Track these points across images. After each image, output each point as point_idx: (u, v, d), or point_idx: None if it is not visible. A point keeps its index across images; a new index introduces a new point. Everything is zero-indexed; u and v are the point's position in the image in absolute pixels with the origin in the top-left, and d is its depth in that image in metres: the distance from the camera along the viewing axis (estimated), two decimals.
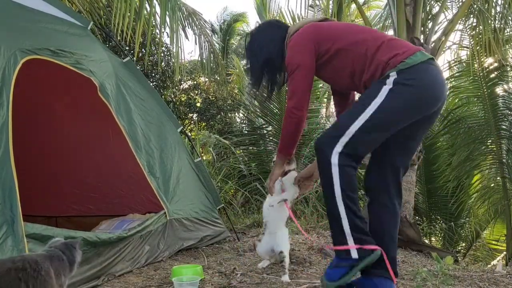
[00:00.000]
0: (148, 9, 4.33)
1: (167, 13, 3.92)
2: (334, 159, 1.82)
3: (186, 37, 6.04)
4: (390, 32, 5.49)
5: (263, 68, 2.16)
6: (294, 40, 2.04)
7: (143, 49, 6.35)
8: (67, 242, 1.69)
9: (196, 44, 6.16)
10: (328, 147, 1.85)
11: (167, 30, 4.14)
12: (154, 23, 4.59)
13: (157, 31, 4.99)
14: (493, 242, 7.50)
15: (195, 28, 6.10)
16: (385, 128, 1.88)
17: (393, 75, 1.85)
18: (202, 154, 6.86)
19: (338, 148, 1.83)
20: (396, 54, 1.89)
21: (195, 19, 6.06)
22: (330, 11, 5.94)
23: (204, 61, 6.31)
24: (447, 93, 2.01)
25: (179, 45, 4.18)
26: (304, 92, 2.01)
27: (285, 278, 2.33)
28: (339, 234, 1.85)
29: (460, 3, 5.56)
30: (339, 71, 2.01)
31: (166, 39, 6.65)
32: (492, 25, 5.34)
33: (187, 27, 5.65)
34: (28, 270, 1.44)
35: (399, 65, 1.86)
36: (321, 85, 8.27)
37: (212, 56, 6.46)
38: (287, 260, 2.42)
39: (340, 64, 1.98)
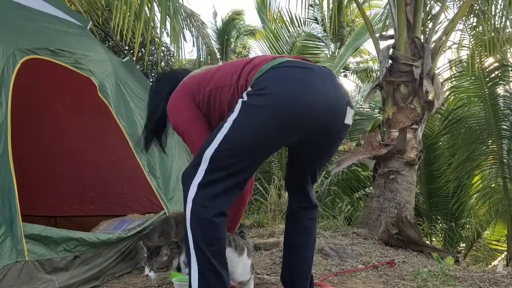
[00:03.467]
0: (148, 11, 4.34)
1: (167, 17, 3.93)
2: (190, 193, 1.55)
3: (184, 38, 6.06)
4: (391, 32, 5.49)
5: (148, 124, 2.00)
6: (170, 101, 1.81)
7: (142, 49, 6.36)
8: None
9: (194, 46, 6.18)
10: None
11: (167, 30, 4.15)
12: (153, 25, 4.59)
13: (157, 31, 5.00)
14: (494, 242, 7.50)
15: (193, 30, 6.12)
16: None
17: (248, 90, 1.57)
18: None
19: (194, 178, 1.55)
20: (253, 67, 1.62)
21: (193, 20, 6.08)
22: (330, 11, 5.93)
23: (202, 59, 6.32)
24: (342, 97, 1.62)
25: (179, 46, 4.19)
26: (200, 138, 1.69)
27: None
28: None
29: (461, 3, 5.55)
30: (219, 112, 1.72)
31: (165, 39, 6.66)
32: (493, 24, 5.33)
33: (185, 29, 5.67)
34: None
35: (254, 77, 1.58)
36: None
37: (209, 57, 6.47)
38: None
39: (215, 106, 1.72)
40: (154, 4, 4.33)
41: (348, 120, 1.64)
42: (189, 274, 1.54)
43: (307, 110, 1.51)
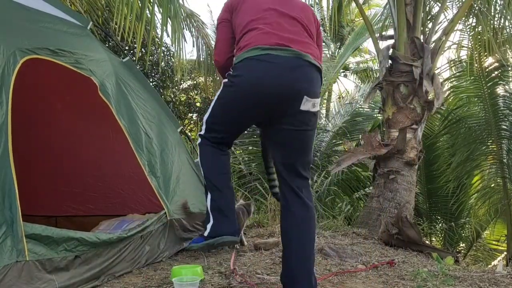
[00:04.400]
0: (149, 13, 4.34)
1: (168, 19, 3.93)
2: (198, 140, 2.08)
3: (184, 39, 6.09)
4: (390, 32, 5.49)
5: None
6: None
7: (142, 49, 6.37)
8: (246, 203, 3.31)
9: (194, 46, 6.19)
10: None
11: (163, 30, 4.15)
12: (153, 26, 4.60)
13: (158, 31, 5.00)
14: (494, 242, 7.51)
15: (193, 30, 6.12)
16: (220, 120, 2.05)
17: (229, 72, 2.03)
18: None
19: (201, 131, 2.08)
20: (241, 47, 2.00)
21: (193, 20, 6.08)
22: (330, 11, 5.93)
23: (202, 59, 6.33)
24: (298, 88, 1.92)
25: (181, 48, 4.21)
26: (220, 41, 2.20)
27: None
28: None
29: (460, 3, 5.55)
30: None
31: (165, 39, 6.66)
32: (492, 24, 5.33)
33: (185, 29, 5.67)
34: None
35: (234, 61, 2.03)
36: None
37: (209, 58, 6.47)
38: None
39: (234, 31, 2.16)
40: (155, 6, 4.32)
41: (306, 107, 1.93)
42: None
43: (259, 95, 1.92)
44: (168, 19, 3.95)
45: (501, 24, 5.39)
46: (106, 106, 2.76)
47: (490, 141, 6.85)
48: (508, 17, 5.37)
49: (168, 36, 4.25)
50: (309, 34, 2.06)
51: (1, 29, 2.27)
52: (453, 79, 7.35)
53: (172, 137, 3.34)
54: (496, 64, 6.57)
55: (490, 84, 6.73)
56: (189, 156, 3.50)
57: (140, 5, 3.95)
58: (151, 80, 7.32)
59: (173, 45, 4.51)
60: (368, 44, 12.59)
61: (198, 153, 2.07)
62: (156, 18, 4.63)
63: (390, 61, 4.86)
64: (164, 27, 4.03)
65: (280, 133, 1.99)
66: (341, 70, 12.60)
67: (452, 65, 7.30)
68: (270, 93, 1.89)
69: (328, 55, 10.82)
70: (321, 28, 2.24)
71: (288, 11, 2.05)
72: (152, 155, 3.00)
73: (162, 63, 7.23)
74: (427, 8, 5.55)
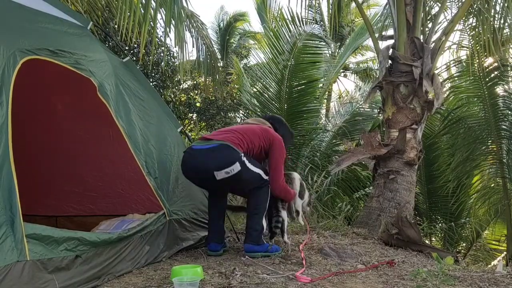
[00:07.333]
0: (151, 19, 4.34)
1: (172, 20, 3.93)
2: None
3: (184, 40, 6.08)
4: (390, 32, 5.49)
5: None
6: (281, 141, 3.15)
7: (143, 49, 6.37)
8: None
9: (193, 47, 6.18)
10: None
11: (167, 31, 4.14)
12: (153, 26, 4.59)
13: (158, 32, 5.00)
14: (494, 242, 7.51)
15: (193, 30, 6.11)
16: None
17: None
18: None
19: None
20: None
21: (192, 21, 6.07)
22: (330, 11, 5.93)
23: (201, 59, 6.32)
24: (207, 166, 2.91)
25: (183, 50, 4.22)
26: None
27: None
28: None
29: (460, 4, 5.55)
30: None
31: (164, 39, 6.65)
32: (492, 25, 5.33)
33: (185, 30, 5.66)
34: None
35: None
36: (320, 85, 8.26)
37: (209, 58, 6.46)
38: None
39: None
40: (158, 10, 4.32)
41: (221, 176, 2.87)
42: None
43: (185, 173, 3.07)
44: (171, 22, 3.94)
45: (501, 24, 5.39)
46: (105, 106, 2.76)
47: (490, 141, 6.85)
48: (509, 18, 5.37)
49: (168, 36, 4.25)
50: (240, 137, 2.94)
51: (1, 30, 2.27)
52: (453, 79, 7.35)
53: (172, 137, 3.34)
54: (496, 64, 6.56)
55: (489, 84, 6.72)
56: None
57: (142, 10, 3.95)
58: (151, 80, 7.32)
59: (177, 47, 4.51)
60: (369, 43, 12.62)
61: None
62: (157, 20, 4.62)
63: (390, 61, 4.87)
64: (168, 31, 4.03)
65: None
66: (341, 70, 12.60)
67: (451, 65, 7.29)
68: (187, 172, 3.03)
69: (328, 55, 10.79)
70: (276, 141, 3.09)
71: (235, 129, 3.11)
72: (149, 156, 3.00)
73: (162, 63, 7.23)
74: (427, 8, 5.55)
